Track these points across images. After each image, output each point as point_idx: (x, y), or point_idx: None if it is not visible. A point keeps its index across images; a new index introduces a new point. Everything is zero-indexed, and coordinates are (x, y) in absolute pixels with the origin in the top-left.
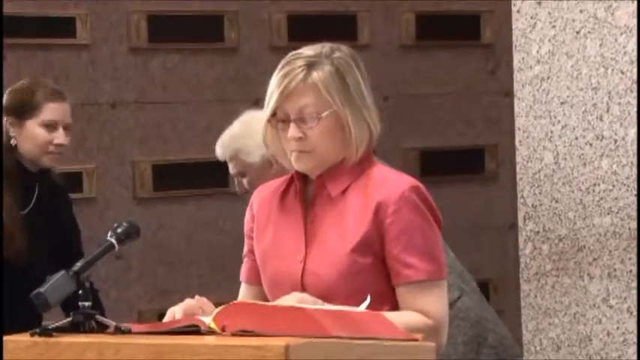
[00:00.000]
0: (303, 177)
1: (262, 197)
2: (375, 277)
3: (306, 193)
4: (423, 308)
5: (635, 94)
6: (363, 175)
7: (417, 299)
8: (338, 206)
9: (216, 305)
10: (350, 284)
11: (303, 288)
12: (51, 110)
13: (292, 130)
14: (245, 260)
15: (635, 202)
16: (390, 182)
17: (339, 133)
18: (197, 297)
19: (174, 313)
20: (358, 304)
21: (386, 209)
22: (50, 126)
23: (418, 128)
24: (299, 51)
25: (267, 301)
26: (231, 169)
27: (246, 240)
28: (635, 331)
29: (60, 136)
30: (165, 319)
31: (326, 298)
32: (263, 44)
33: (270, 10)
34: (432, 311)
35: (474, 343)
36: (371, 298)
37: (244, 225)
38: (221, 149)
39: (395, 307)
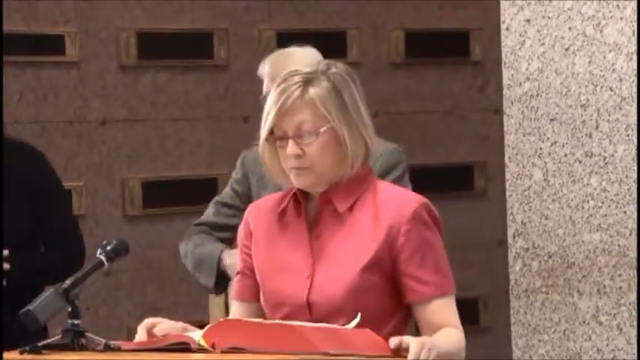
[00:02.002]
0: (304, 194)
1: (259, 214)
2: (382, 294)
3: (308, 210)
4: (447, 322)
5: (624, 110)
6: (368, 190)
7: (437, 315)
8: (346, 222)
9: (205, 324)
10: (357, 302)
11: (308, 305)
12: None
13: (291, 147)
14: (238, 277)
15: (624, 219)
16: (399, 200)
17: (336, 149)
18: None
19: (140, 334)
20: (364, 322)
21: (398, 228)
22: None
23: (407, 145)
24: (295, 68)
25: (262, 318)
26: None
27: (240, 256)
28: (625, 348)
29: None
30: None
31: (332, 314)
32: (253, 62)
33: (260, 27)
34: (457, 324)
35: None
36: (376, 315)
37: (237, 241)
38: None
39: (400, 323)
